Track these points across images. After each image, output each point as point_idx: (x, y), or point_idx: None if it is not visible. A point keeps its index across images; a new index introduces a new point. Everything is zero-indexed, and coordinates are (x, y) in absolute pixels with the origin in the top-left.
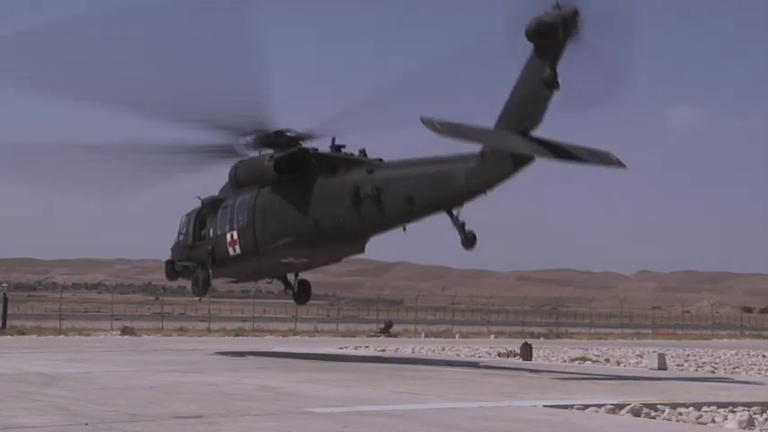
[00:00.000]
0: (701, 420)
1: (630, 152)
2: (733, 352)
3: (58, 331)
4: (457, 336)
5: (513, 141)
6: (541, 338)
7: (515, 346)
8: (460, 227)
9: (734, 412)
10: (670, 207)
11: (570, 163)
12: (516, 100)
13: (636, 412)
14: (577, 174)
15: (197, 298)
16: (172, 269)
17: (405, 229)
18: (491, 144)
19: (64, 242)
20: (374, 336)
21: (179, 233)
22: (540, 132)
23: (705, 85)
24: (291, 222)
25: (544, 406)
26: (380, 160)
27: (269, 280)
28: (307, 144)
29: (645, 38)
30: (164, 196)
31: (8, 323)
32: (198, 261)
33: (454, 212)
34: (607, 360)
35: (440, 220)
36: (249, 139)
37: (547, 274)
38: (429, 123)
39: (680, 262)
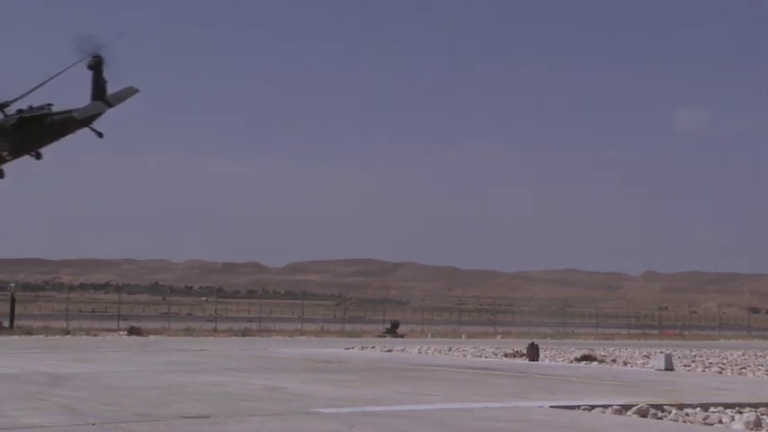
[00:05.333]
0: (707, 421)
1: (637, 151)
2: (740, 353)
3: (65, 331)
4: (463, 336)
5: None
6: (548, 339)
7: (522, 346)
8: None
9: (741, 413)
10: (677, 207)
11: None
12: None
13: (643, 413)
14: (584, 171)
15: None
16: None
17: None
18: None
19: (70, 243)
20: (381, 336)
21: None
22: None
23: (710, 85)
24: None
25: (551, 407)
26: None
27: None
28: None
29: (644, 39)
30: (166, 196)
31: (15, 323)
32: None
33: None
34: (614, 360)
35: (448, 223)
36: None
37: (553, 275)
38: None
39: (686, 262)
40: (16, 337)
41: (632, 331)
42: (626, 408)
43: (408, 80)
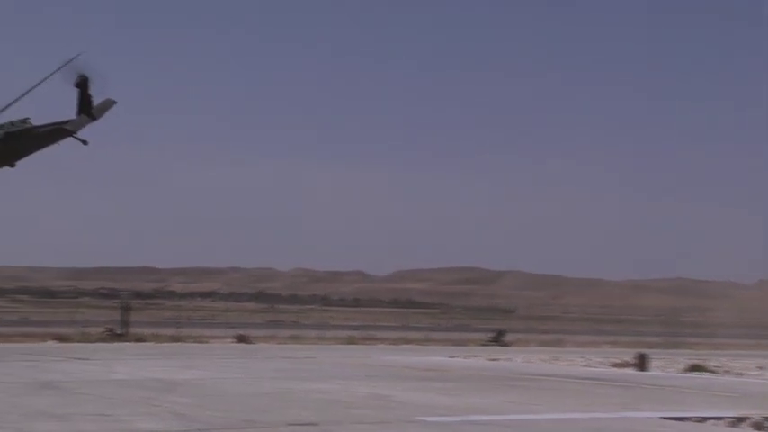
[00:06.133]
0: None
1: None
2: None
3: (176, 338)
4: (570, 345)
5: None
6: (657, 349)
7: (630, 356)
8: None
9: None
10: None
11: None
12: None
13: (758, 426)
14: (698, 180)
15: None
16: None
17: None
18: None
19: (180, 251)
20: (485, 345)
21: None
22: None
23: None
24: None
25: (660, 418)
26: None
27: None
28: None
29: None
30: (273, 205)
31: (128, 330)
32: None
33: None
34: (727, 371)
35: (553, 231)
36: None
37: (663, 283)
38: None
39: None
40: (129, 343)
41: (746, 341)
42: (740, 420)
43: (512, 88)
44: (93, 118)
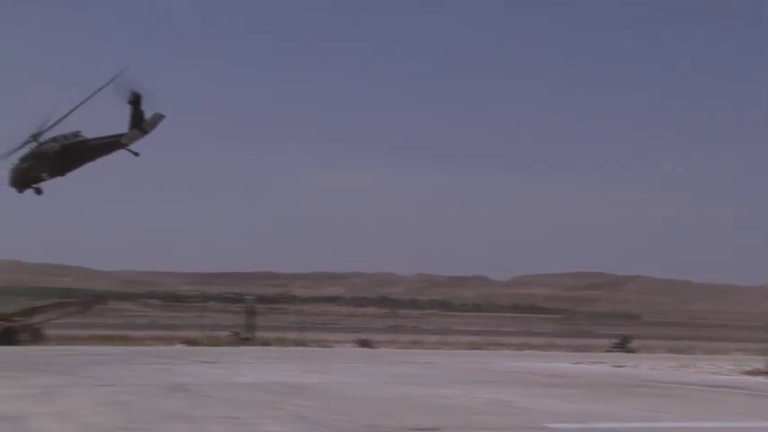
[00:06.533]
0: None
1: None
2: None
3: (299, 342)
4: (698, 353)
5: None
6: None
7: (762, 364)
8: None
9: None
10: None
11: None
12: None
13: None
14: None
15: None
16: None
17: None
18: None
19: (303, 256)
20: (610, 351)
21: None
22: None
23: None
24: None
25: None
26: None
27: None
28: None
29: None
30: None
31: (254, 334)
32: None
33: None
34: None
35: (681, 235)
36: None
37: None
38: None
39: None
40: (255, 347)
41: None
42: None
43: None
44: (144, 132)
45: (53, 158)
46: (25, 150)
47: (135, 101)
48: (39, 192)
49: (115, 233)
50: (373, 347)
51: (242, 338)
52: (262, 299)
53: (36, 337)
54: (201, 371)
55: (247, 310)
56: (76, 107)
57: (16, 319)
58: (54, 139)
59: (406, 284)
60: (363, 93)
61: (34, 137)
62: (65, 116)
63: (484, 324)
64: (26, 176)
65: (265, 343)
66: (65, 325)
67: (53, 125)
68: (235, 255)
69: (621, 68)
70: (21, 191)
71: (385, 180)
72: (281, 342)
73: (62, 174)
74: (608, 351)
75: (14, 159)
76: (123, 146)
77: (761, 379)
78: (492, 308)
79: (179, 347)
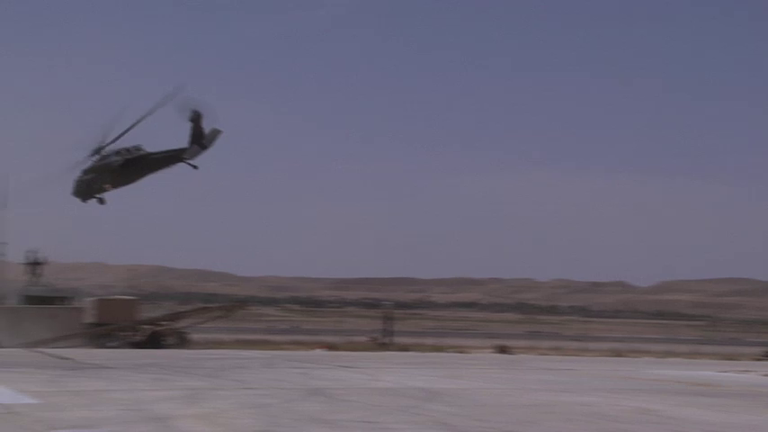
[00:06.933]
0: None
1: None
2: None
3: (437, 348)
4: None
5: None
6: None
7: None
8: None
9: None
10: None
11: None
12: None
13: None
14: None
15: None
16: None
17: None
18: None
19: (441, 262)
20: (759, 359)
21: None
22: None
23: None
24: None
25: None
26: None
27: None
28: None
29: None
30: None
31: (391, 339)
32: None
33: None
34: None
35: None
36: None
37: None
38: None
39: None
40: (393, 352)
41: None
42: None
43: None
44: (204, 148)
45: (117, 171)
46: (88, 163)
47: (195, 119)
48: (101, 202)
49: (257, 241)
50: (511, 354)
51: (380, 344)
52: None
53: (182, 340)
54: (341, 375)
55: (385, 315)
56: (137, 123)
57: (163, 323)
58: (117, 153)
59: (544, 290)
60: (503, 101)
61: (96, 150)
62: (126, 131)
63: (624, 331)
64: (90, 188)
65: (403, 348)
66: (209, 329)
67: (115, 140)
68: (372, 260)
69: None
70: (84, 201)
71: (522, 186)
72: (420, 348)
73: (124, 185)
74: (757, 360)
75: (78, 171)
76: (182, 159)
77: None
78: (632, 314)
79: (318, 352)
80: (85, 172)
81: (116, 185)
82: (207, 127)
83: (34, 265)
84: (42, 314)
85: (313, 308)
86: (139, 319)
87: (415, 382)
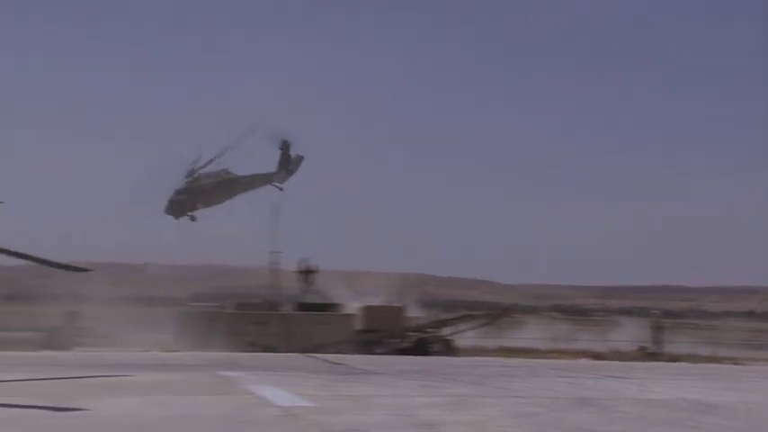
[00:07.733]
0: None
1: None
2: None
3: (713, 359)
4: None
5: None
6: None
7: None
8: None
9: None
10: None
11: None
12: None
13: None
14: None
15: None
16: None
17: None
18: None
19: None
20: None
21: None
22: None
23: None
24: None
25: None
26: None
27: None
28: None
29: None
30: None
31: (662, 349)
32: None
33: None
34: None
35: None
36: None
37: None
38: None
39: None
40: (663, 363)
41: None
42: None
43: None
44: (291, 173)
45: (209, 192)
46: (182, 184)
47: (285, 147)
48: (193, 219)
49: (520, 249)
50: None
51: (649, 353)
52: (669, 313)
53: (447, 347)
54: (609, 385)
55: (654, 324)
56: (227, 149)
57: (429, 330)
58: (208, 176)
59: None
60: None
61: (189, 173)
62: (217, 156)
63: None
64: (183, 207)
65: (674, 359)
66: (473, 336)
67: (207, 164)
68: (640, 268)
69: None
70: (177, 218)
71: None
72: (693, 358)
73: (216, 205)
74: None
75: (171, 192)
76: (269, 182)
77: None
78: None
79: (584, 361)
80: (178, 192)
81: (208, 205)
82: (293, 153)
83: (306, 272)
84: (315, 321)
85: (577, 316)
86: (406, 326)
87: (690, 394)
